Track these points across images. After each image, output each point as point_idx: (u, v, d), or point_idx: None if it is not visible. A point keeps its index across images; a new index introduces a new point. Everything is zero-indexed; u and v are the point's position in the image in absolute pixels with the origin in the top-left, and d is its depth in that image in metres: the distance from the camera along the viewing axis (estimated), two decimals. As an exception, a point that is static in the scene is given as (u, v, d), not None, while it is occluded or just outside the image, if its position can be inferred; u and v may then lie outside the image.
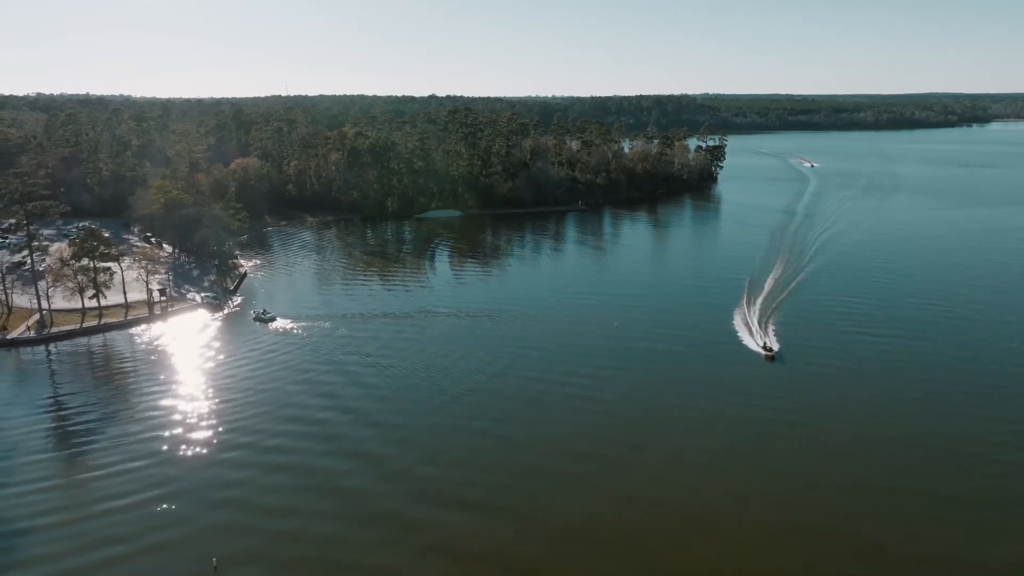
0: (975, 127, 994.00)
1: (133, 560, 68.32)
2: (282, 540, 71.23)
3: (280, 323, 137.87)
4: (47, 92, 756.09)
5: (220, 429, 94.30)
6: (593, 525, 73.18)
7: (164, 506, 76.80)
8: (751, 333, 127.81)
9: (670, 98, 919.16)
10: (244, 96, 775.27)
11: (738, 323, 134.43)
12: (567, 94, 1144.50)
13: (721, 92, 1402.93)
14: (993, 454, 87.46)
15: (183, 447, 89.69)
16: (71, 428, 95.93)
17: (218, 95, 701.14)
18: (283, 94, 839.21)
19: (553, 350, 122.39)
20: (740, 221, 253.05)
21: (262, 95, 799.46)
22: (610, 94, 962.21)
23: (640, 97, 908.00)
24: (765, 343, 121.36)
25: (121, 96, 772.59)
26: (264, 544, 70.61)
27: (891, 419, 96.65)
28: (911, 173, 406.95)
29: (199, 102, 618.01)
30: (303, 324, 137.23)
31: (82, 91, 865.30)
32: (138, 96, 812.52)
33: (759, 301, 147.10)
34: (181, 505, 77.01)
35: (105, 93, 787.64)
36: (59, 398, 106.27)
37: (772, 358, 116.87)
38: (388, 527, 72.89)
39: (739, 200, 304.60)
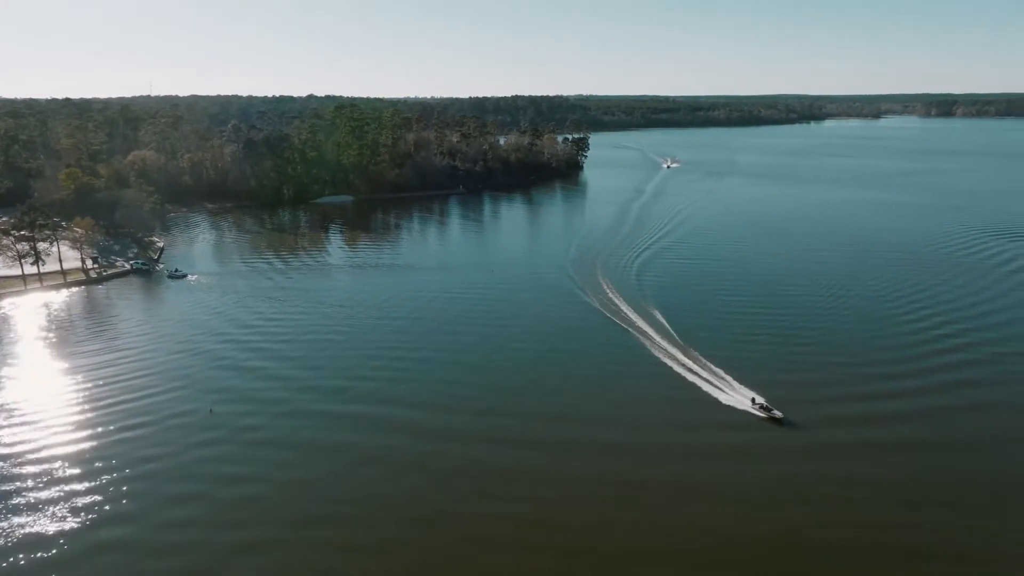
0: (812, 124, 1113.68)
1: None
2: (265, 390, 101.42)
3: (192, 279, 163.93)
4: None
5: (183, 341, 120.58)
6: (498, 369, 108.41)
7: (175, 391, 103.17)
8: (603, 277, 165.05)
9: (544, 98, 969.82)
10: (111, 96, 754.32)
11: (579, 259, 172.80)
12: (446, 95, 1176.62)
13: (593, 93, 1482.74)
14: None
15: (173, 355, 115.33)
16: (69, 354, 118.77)
17: (76, 95, 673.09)
18: (151, 94, 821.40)
19: (443, 284, 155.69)
20: (602, 200, 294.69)
21: (127, 95, 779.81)
22: (488, 95, 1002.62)
23: (516, 97, 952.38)
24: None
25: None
26: (250, 395, 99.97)
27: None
28: (749, 161, 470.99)
29: (68, 101, 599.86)
30: (217, 278, 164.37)
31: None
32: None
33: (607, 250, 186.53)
34: (189, 387, 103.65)
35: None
36: (41, 338, 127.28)
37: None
38: (342, 389, 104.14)
39: (600, 184, 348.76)
